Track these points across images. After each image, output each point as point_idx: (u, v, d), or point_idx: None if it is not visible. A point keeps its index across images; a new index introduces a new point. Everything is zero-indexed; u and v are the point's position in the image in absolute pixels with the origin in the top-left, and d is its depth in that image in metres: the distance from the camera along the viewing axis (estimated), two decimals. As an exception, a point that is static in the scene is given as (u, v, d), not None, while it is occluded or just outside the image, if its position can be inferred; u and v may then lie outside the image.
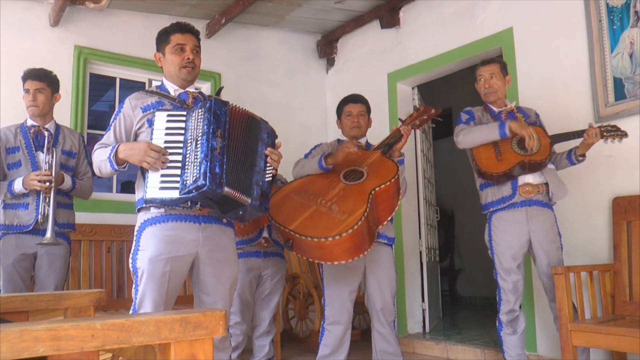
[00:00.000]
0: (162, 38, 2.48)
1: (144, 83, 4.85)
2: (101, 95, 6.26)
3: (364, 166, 3.00)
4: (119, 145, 2.23)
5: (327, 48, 5.73)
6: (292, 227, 2.65)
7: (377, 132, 3.52)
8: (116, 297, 4.15)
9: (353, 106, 3.33)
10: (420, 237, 5.02)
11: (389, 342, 3.18)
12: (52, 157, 3.12)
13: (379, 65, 5.19)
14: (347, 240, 2.58)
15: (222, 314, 0.87)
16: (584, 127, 3.04)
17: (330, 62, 5.78)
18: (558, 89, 3.73)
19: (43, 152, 3.18)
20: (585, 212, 3.46)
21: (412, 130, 3.21)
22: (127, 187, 5.95)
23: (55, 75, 3.32)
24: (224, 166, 2.10)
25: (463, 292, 7.94)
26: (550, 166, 3.18)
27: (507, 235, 3.16)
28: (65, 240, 3.24)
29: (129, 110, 2.35)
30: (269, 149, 2.30)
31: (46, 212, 3.06)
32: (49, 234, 2.94)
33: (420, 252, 5.01)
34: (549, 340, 3.65)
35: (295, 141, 4.80)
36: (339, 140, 3.37)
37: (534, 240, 3.13)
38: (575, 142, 3.13)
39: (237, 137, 2.22)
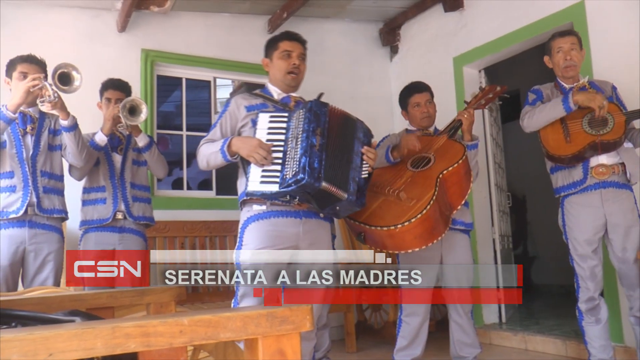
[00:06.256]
0: (271, 45, 2.62)
1: (209, 82, 4.91)
2: (168, 96, 6.43)
3: (431, 152, 2.94)
4: (232, 138, 2.34)
5: (389, 36, 5.63)
6: (361, 219, 2.63)
7: (445, 118, 3.43)
8: (191, 291, 4.26)
9: (419, 96, 3.25)
10: (492, 224, 4.88)
11: (467, 333, 3.11)
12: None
13: (444, 50, 5.06)
14: (417, 226, 2.54)
15: (309, 308, 0.86)
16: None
17: (394, 50, 5.69)
18: (635, 63, 3.50)
19: (118, 153, 3.36)
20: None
21: (481, 112, 3.10)
22: (205, 184, 6.08)
23: (131, 87, 3.48)
24: (323, 162, 2.20)
25: (538, 280, 7.66)
26: (628, 145, 2.96)
27: (581, 220, 2.98)
28: (141, 237, 3.35)
29: (235, 109, 2.49)
30: (365, 147, 2.38)
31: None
32: None
33: (494, 240, 4.87)
34: (637, 329, 3.45)
35: (360, 132, 4.75)
36: (407, 131, 3.30)
37: (610, 223, 2.93)
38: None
39: (335, 136, 2.31)
